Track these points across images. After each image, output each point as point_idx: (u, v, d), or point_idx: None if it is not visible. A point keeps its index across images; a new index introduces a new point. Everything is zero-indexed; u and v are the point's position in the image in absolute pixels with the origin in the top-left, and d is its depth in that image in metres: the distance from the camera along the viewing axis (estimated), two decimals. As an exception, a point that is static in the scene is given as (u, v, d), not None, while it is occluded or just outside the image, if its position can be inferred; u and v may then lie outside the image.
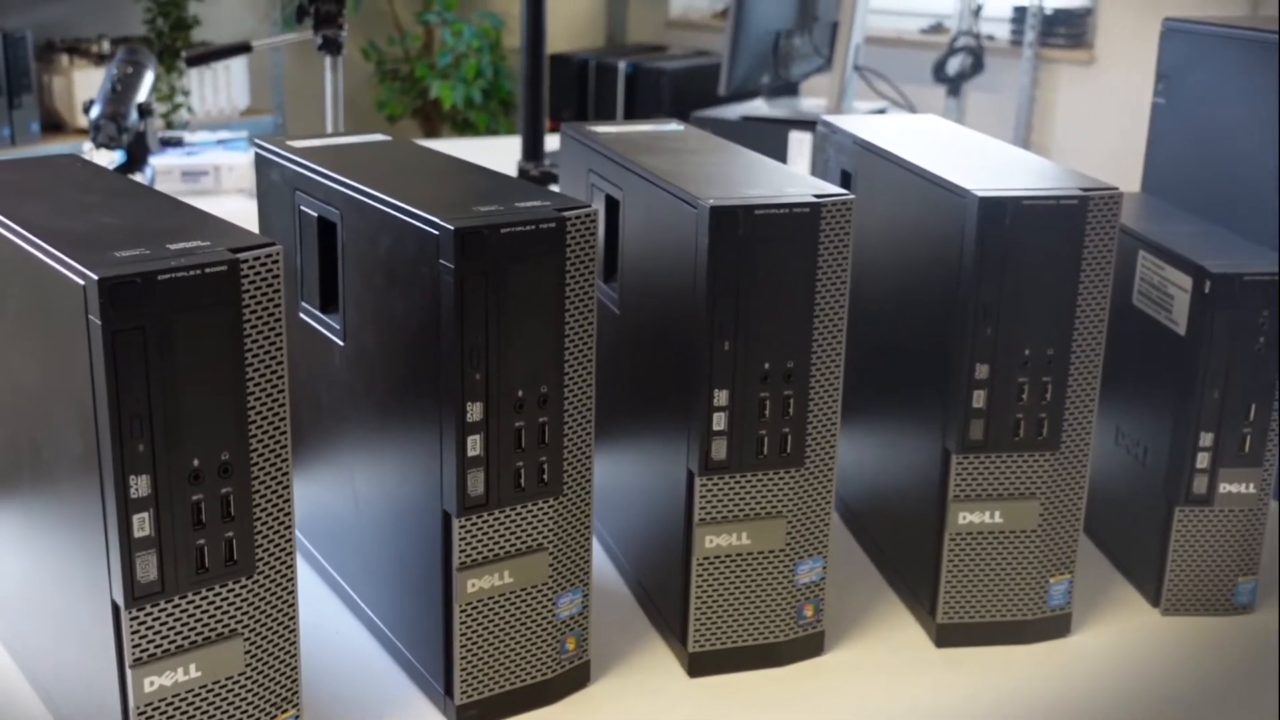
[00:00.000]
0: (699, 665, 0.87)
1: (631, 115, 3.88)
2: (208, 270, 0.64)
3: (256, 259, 0.66)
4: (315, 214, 0.86)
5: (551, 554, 0.80)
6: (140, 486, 0.64)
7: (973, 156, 0.95)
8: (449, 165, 0.90)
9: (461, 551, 0.77)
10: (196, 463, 0.66)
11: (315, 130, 2.58)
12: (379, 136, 0.98)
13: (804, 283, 0.81)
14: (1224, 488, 0.94)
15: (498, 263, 0.73)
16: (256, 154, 0.95)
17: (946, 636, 0.92)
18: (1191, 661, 0.92)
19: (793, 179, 0.85)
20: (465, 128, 4.80)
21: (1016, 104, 4.29)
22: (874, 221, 0.98)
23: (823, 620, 0.89)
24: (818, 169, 1.11)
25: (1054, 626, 0.93)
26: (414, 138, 4.78)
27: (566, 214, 0.75)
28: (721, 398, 0.82)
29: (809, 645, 0.89)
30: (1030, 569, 0.91)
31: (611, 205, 0.94)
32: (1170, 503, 0.95)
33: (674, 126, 1.04)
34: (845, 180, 1.05)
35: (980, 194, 0.84)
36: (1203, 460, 0.94)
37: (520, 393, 0.76)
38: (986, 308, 0.85)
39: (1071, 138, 4.19)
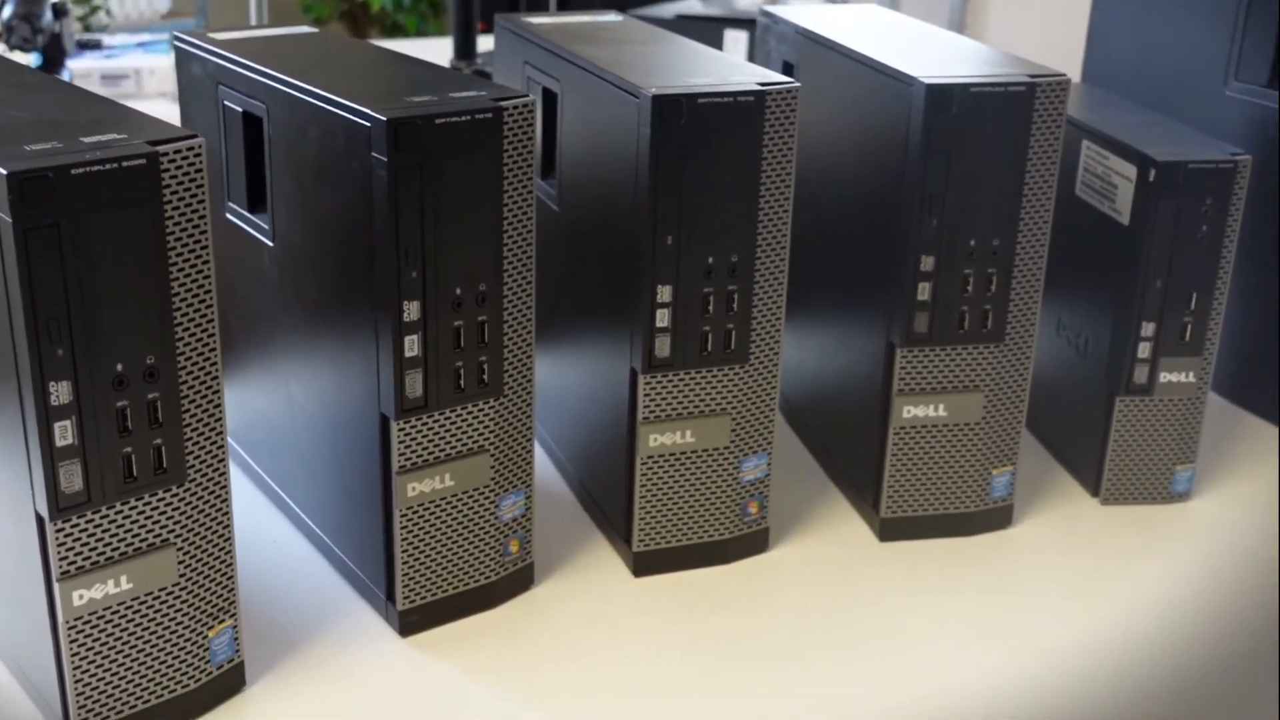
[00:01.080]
0: (644, 564, 0.86)
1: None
2: (125, 164, 0.60)
3: (177, 151, 0.62)
4: (240, 109, 0.83)
5: (493, 456, 0.78)
6: (61, 393, 0.61)
7: (918, 45, 0.93)
8: (379, 56, 0.87)
9: (401, 455, 0.75)
10: (120, 367, 0.63)
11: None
12: (305, 29, 0.94)
13: (749, 174, 0.80)
14: (1164, 377, 0.94)
15: (432, 155, 0.71)
16: (176, 49, 0.91)
17: (890, 530, 0.92)
18: (1130, 549, 0.93)
19: (736, 68, 0.83)
20: (394, 30, 4.68)
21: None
22: (817, 112, 0.96)
23: (767, 517, 0.88)
24: (759, 60, 1.09)
25: (996, 518, 0.93)
26: (342, 41, 4.66)
27: (504, 104, 0.73)
28: (665, 294, 0.80)
29: (754, 542, 0.89)
30: (973, 461, 0.91)
31: (549, 98, 0.91)
32: (1111, 393, 0.95)
33: (612, 17, 1.01)
34: (788, 71, 1.03)
35: (927, 81, 0.82)
36: (1144, 350, 0.94)
37: (458, 290, 0.74)
38: (932, 198, 0.84)
39: (1005, 29, 4.16)
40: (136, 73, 2.08)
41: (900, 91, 0.84)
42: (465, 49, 1.81)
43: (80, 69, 2.03)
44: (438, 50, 2.08)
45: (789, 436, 1.06)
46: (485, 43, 2.04)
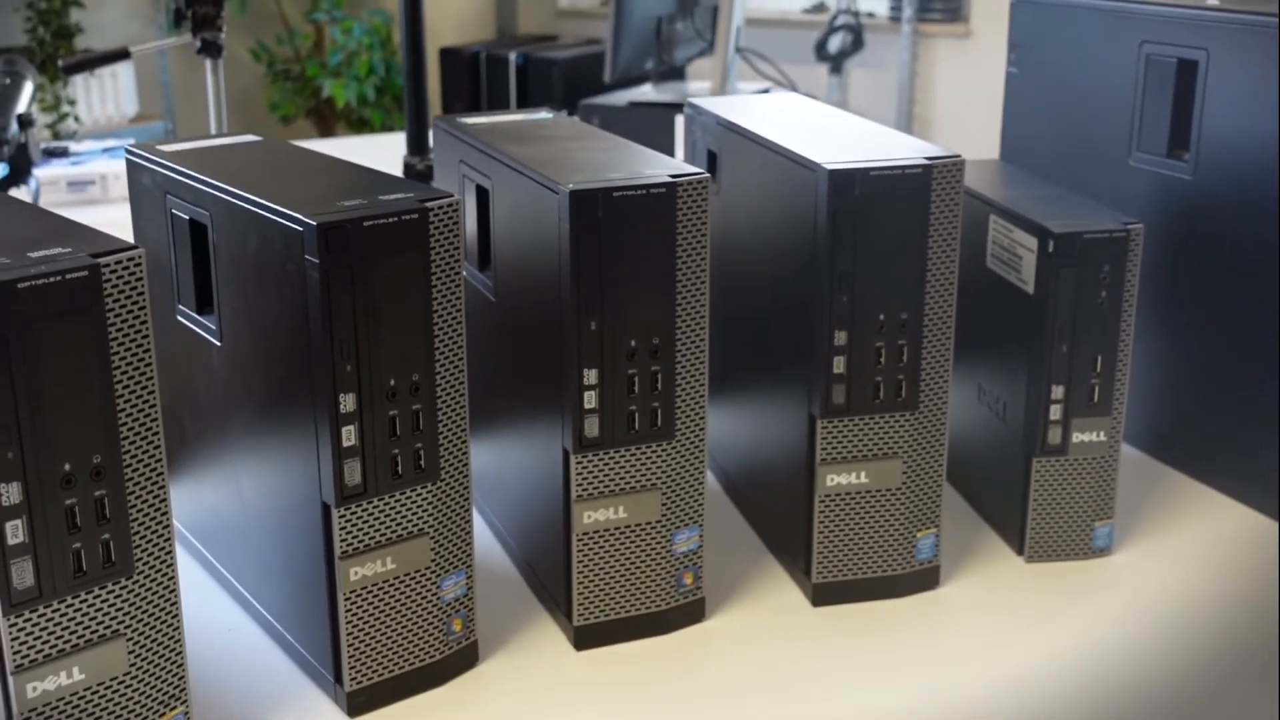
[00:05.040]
0: (585, 638, 0.90)
1: (525, 106, 3.89)
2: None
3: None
4: (186, 216, 0.88)
5: (432, 538, 0.82)
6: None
7: (827, 132, 0.99)
8: (317, 162, 0.92)
9: (342, 541, 0.79)
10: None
11: (205, 135, 2.56)
12: (250, 137, 1.00)
13: (665, 260, 0.85)
14: (1077, 437, 0.99)
15: (361, 256, 0.75)
16: (128, 160, 0.96)
17: (822, 595, 0.96)
18: (1055, 605, 0.97)
19: (652, 161, 0.88)
20: (360, 125, 4.78)
21: (897, 79, 4.36)
22: (740, 199, 1.01)
23: (703, 587, 0.92)
24: (687, 150, 1.15)
25: (924, 579, 0.97)
26: (309, 138, 4.75)
27: (429, 205, 0.78)
28: (591, 376, 0.85)
29: (691, 612, 0.92)
30: (898, 525, 0.95)
31: (482, 195, 0.96)
32: (1028, 454, 1.00)
33: (542, 115, 1.06)
34: (712, 160, 1.08)
35: (829, 167, 0.88)
36: (1056, 412, 0.99)
37: (392, 381, 0.78)
38: (841, 276, 0.89)
39: (952, 110, 4.27)
40: (102, 178, 2.14)
41: (806, 177, 0.90)
42: (418, 144, 1.88)
43: (46, 177, 2.09)
44: (396, 144, 2.15)
45: (728, 508, 1.10)
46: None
